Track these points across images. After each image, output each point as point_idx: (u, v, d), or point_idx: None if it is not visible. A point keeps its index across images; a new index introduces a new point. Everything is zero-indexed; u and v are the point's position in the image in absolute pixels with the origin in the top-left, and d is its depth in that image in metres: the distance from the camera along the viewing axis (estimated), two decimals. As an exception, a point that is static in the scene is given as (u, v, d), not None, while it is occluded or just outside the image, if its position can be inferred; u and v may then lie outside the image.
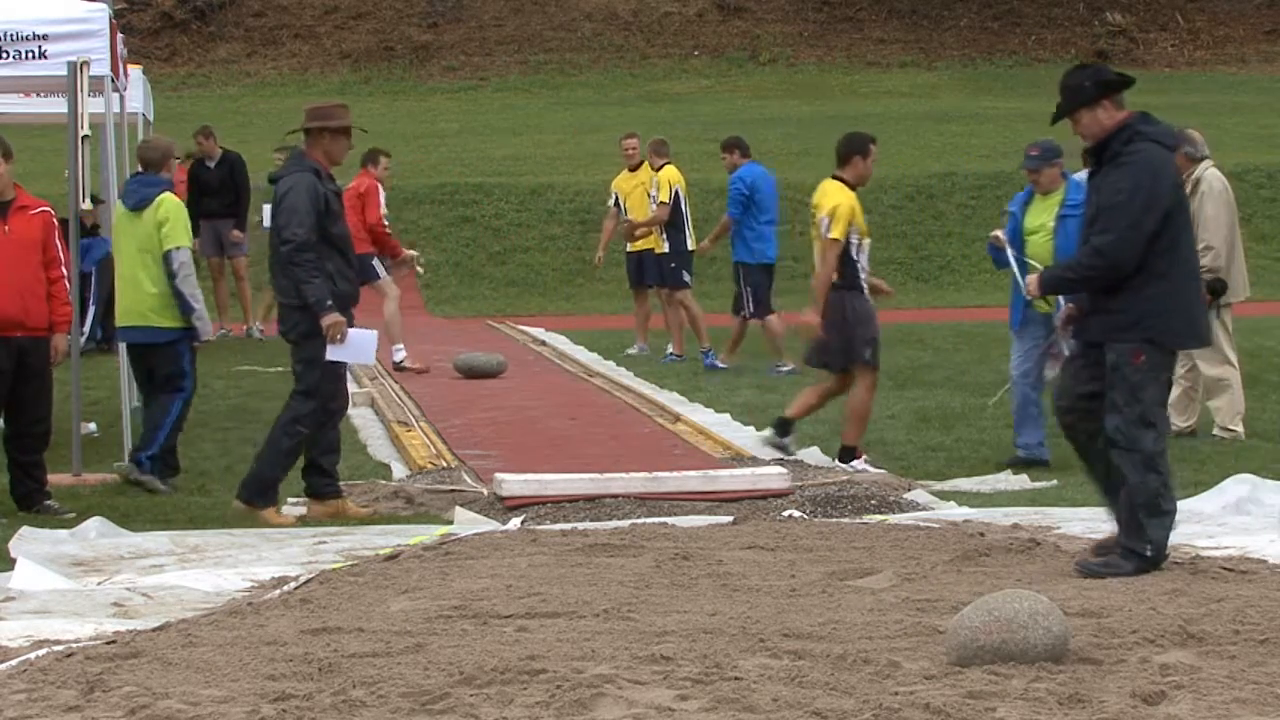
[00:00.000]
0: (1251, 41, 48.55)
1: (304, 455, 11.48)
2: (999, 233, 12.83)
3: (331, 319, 11.16)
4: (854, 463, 12.70)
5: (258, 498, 11.30)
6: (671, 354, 19.59)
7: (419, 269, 18.71)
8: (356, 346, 11.43)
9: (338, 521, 11.16)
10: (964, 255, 29.64)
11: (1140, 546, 8.81)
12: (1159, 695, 6.34)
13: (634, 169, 20.08)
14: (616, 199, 20.43)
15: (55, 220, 11.84)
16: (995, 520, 10.58)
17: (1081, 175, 11.40)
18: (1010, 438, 13.07)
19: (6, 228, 11.46)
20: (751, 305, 18.62)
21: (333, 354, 11.25)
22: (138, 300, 12.27)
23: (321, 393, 11.35)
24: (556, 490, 11.61)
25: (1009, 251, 12.57)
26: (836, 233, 12.60)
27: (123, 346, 12.97)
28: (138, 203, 12.30)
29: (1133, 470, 8.88)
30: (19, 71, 12.81)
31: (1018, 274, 12.35)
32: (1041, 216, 12.66)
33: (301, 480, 11.55)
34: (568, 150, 36.47)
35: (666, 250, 19.51)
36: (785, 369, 18.06)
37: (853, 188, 12.77)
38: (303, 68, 48.32)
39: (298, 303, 11.27)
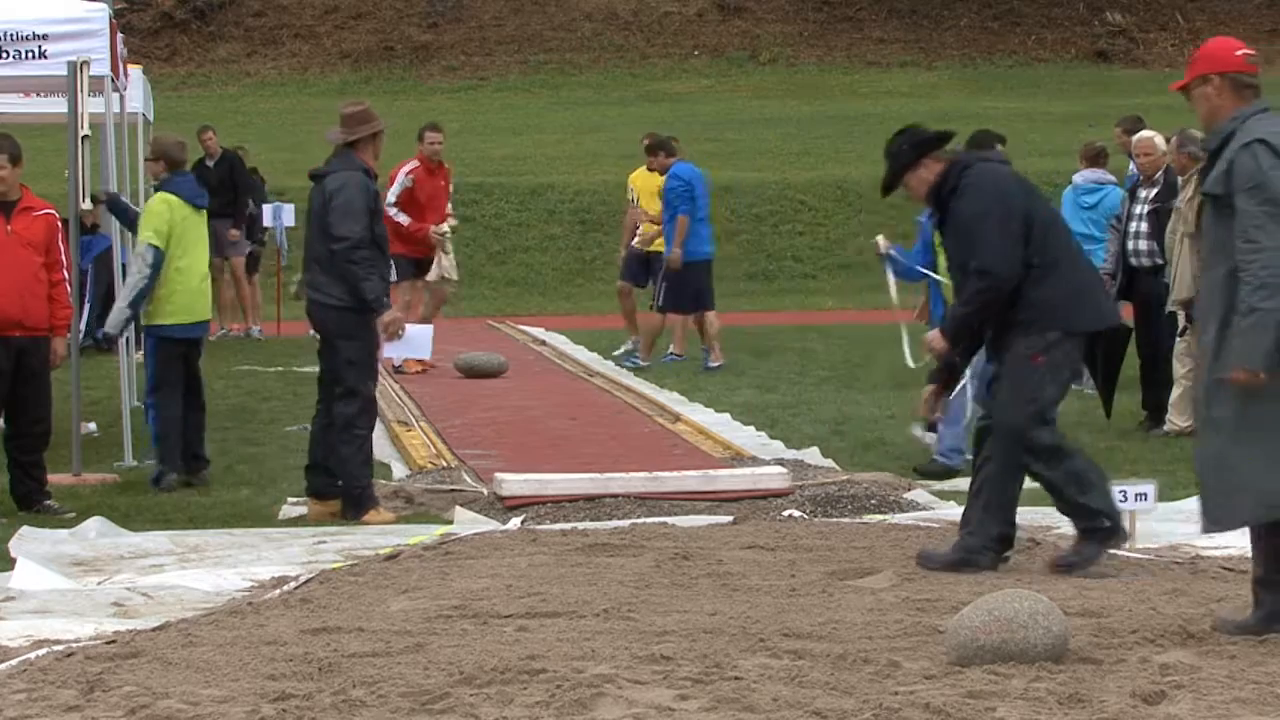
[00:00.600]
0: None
1: (308, 454, 11.47)
2: (880, 238, 12.91)
3: (390, 315, 11.19)
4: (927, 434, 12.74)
5: (355, 509, 11.20)
6: (672, 354, 19.58)
7: (447, 259, 18.46)
8: (415, 341, 11.46)
9: (338, 521, 11.15)
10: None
11: (1095, 522, 8.86)
12: (1159, 695, 6.34)
13: (652, 168, 20.06)
14: (633, 195, 20.40)
15: (60, 224, 11.86)
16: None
17: None
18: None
19: (10, 228, 11.46)
20: (661, 298, 18.69)
21: (390, 350, 11.28)
22: (206, 299, 12.57)
23: (363, 392, 11.33)
24: (556, 490, 11.60)
25: (891, 252, 12.73)
26: None
27: (123, 344, 12.98)
28: (203, 202, 12.53)
29: (1045, 469, 8.93)
30: (19, 71, 12.82)
31: (892, 283, 12.69)
32: None
33: (304, 479, 11.53)
34: (568, 150, 36.47)
35: (675, 250, 19.49)
36: (641, 361, 18.98)
37: None
38: (303, 68, 48.33)
39: (338, 302, 11.18)
